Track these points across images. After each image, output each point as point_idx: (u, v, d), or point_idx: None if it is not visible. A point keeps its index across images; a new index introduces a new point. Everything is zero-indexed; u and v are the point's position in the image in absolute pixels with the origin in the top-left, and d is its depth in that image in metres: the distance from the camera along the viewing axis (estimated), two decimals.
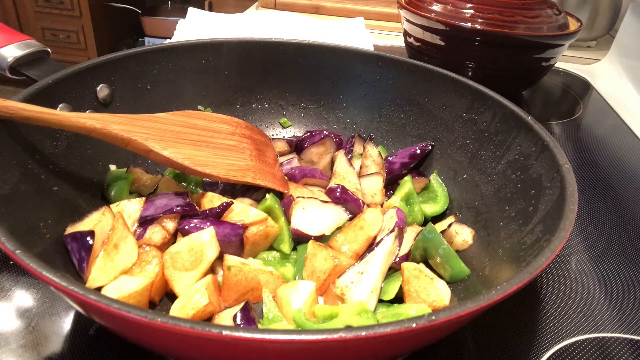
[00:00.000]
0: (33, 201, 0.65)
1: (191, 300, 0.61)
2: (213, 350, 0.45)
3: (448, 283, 0.69)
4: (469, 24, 1.21)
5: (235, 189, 0.85)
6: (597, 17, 1.75)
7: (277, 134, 1.06)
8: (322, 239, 0.77)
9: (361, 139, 0.99)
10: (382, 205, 0.85)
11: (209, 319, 0.64)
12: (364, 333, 0.39)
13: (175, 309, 0.61)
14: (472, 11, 1.23)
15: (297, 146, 0.98)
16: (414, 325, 0.40)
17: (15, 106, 0.64)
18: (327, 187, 0.86)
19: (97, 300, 0.41)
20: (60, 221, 0.68)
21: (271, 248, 0.78)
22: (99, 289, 0.61)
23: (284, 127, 1.06)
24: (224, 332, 0.38)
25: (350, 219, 0.80)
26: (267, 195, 0.80)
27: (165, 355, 0.59)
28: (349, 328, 0.39)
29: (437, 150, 0.93)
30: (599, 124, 1.37)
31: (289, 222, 0.78)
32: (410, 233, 0.76)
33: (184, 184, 0.87)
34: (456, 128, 0.91)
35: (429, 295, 0.65)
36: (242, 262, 0.68)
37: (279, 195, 0.84)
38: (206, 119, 0.87)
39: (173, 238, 0.74)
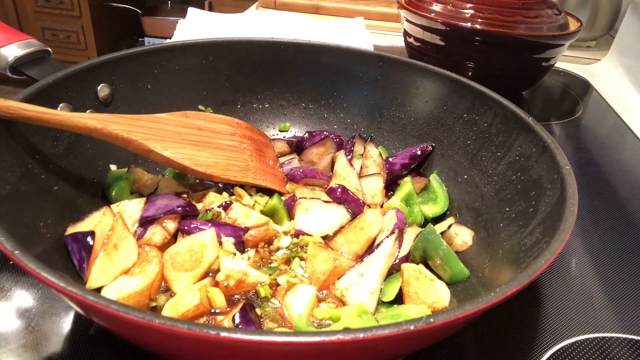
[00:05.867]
0: (33, 201, 0.65)
1: (183, 299, 0.61)
2: (211, 352, 0.45)
3: (448, 284, 0.69)
4: (469, 24, 1.21)
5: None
6: (597, 17, 1.75)
7: (277, 134, 1.06)
8: (325, 238, 0.77)
9: (362, 140, 0.99)
10: (382, 206, 0.85)
11: (205, 320, 0.64)
12: (361, 335, 0.39)
13: (168, 308, 0.61)
14: (472, 11, 1.23)
15: (297, 146, 0.98)
16: (412, 327, 0.40)
17: (15, 106, 0.64)
18: (328, 187, 0.86)
19: (95, 302, 0.41)
20: (60, 221, 0.68)
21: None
22: (99, 289, 0.62)
23: (283, 132, 1.06)
24: (222, 334, 0.38)
25: (351, 219, 0.81)
26: (273, 195, 0.81)
27: (164, 356, 0.59)
28: (346, 330, 0.39)
29: (438, 150, 0.93)
30: (599, 124, 1.37)
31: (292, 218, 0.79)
32: (410, 234, 0.76)
33: (184, 184, 0.87)
34: (457, 129, 0.91)
35: (429, 297, 0.65)
36: (240, 271, 0.67)
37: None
38: (207, 119, 0.87)
39: (173, 238, 0.74)
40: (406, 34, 1.42)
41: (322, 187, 0.89)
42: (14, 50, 0.82)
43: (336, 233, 0.78)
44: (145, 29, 4.14)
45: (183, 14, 1.76)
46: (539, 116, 1.34)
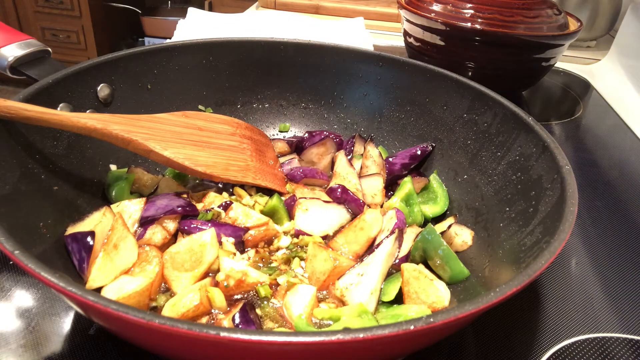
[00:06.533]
0: (33, 201, 0.65)
1: (183, 299, 0.61)
2: (211, 352, 0.45)
3: (448, 284, 0.69)
4: (469, 24, 1.21)
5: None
6: (597, 17, 1.75)
7: (277, 135, 1.06)
8: (325, 238, 0.77)
9: (362, 140, 0.99)
10: (382, 206, 0.86)
11: (206, 320, 0.64)
12: (361, 335, 0.38)
13: (168, 308, 0.61)
14: (472, 11, 1.23)
15: (297, 146, 0.98)
16: (412, 327, 0.40)
17: (15, 106, 0.64)
18: (328, 187, 0.86)
19: (95, 302, 0.41)
20: (60, 221, 0.68)
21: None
22: (99, 289, 0.62)
23: (283, 132, 1.06)
24: (222, 334, 0.38)
25: (351, 219, 0.81)
26: (273, 195, 0.81)
27: (164, 356, 0.59)
28: (346, 330, 0.39)
29: (438, 150, 0.93)
30: (599, 124, 1.37)
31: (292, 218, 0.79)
32: (410, 234, 0.76)
33: (184, 184, 0.87)
34: (457, 128, 0.91)
35: (429, 297, 0.65)
36: (240, 271, 0.67)
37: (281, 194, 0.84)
38: (206, 119, 0.87)
39: (173, 238, 0.74)
40: (406, 34, 1.42)
41: (322, 187, 0.89)
42: (14, 50, 0.82)
43: (336, 233, 0.78)
44: (145, 29, 4.14)
45: (183, 14, 1.76)
46: (539, 116, 1.34)
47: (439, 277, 0.71)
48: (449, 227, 0.78)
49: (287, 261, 0.74)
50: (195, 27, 1.65)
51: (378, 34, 1.89)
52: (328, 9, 2.01)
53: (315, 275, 0.69)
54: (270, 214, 0.80)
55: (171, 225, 0.73)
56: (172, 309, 0.61)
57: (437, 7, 1.28)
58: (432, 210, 0.84)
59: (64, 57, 3.99)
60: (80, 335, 0.62)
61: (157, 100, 0.93)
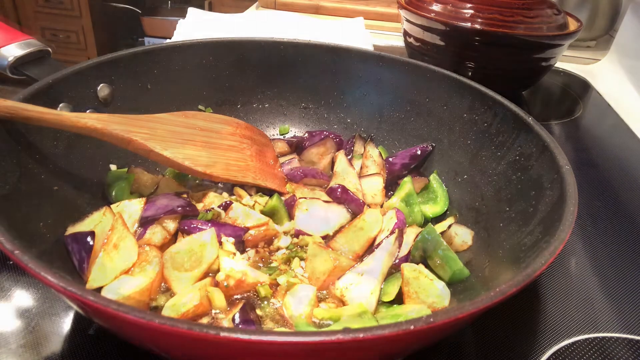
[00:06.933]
0: (33, 201, 0.65)
1: (183, 299, 0.61)
2: (211, 352, 0.45)
3: (448, 284, 0.69)
4: (469, 24, 1.21)
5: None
6: (597, 17, 1.75)
7: (277, 135, 1.06)
8: (325, 238, 0.77)
9: (362, 139, 0.99)
10: (382, 206, 0.85)
11: (205, 320, 0.64)
12: (361, 335, 0.38)
13: (168, 308, 0.61)
14: (472, 11, 1.23)
15: (297, 146, 0.98)
16: (412, 327, 0.40)
17: (15, 106, 0.64)
18: (328, 187, 0.86)
19: (95, 302, 0.41)
20: (60, 221, 0.68)
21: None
22: (99, 289, 0.62)
23: (283, 134, 1.06)
24: (222, 334, 0.38)
25: (351, 219, 0.81)
26: (273, 195, 0.81)
27: (164, 356, 0.59)
28: (346, 330, 0.39)
29: (438, 150, 0.93)
30: (599, 124, 1.37)
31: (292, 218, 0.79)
32: (410, 234, 0.76)
33: (184, 184, 0.87)
34: (457, 128, 0.91)
35: (429, 296, 0.65)
36: (240, 271, 0.67)
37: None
38: (207, 119, 0.87)
39: (173, 238, 0.74)
40: (406, 34, 1.41)
41: (322, 187, 0.89)
42: (13, 50, 0.82)
43: (336, 233, 0.78)
44: (145, 29, 4.14)
45: (183, 14, 1.76)
46: (539, 116, 1.34)
47: (439, 277, 0.71)
48: (449, 227, 0.78)
49: (287, 261, 0.73)
50: (195, 27, 1.65)
51: (378, 34, 1.89)
52: (328, 9, 2.01)
53: (315, 275, 0.69)
54: (270, 214, 0.80)
55: (171, 225, 0.73)
56: (172, 309, 0.61)
57: (437, 7, 1.28)
58: (432, 210, 0.85)
59: (64, 57, 3.99)
60: (80, 335, 0.62)
61: (157, 100, 0.93)
